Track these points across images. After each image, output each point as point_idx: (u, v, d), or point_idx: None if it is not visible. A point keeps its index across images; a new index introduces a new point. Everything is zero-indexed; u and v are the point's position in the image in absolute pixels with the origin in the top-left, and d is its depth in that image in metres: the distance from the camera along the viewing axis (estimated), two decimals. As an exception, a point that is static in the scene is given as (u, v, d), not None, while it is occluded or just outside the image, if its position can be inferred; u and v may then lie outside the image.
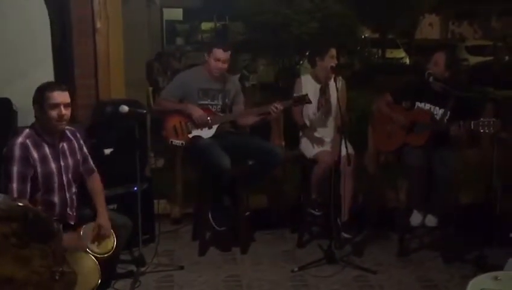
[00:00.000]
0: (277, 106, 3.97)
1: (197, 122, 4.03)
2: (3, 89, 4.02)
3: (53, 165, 3.04)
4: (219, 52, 4.05)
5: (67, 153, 3.14)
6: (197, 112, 4.02)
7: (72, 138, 3.19)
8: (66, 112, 3.00)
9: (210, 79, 4.13)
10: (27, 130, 3.02)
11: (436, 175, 3.89)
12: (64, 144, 3.13)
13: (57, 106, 2.97)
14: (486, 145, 4.57)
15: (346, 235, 4.11)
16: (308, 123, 4.37)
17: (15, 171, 2.91)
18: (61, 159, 3.08)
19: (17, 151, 2.93)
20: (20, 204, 2.38)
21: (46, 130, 3.02)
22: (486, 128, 3.70)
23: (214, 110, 4.12)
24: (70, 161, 3.14)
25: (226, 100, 4.18)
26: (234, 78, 4.44)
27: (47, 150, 3.03)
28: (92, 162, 3.33)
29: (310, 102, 4.11)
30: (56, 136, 3.07)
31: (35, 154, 2.97)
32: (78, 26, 4.28)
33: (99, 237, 3.09)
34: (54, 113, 2.96)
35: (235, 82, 4.37)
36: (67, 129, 3.18)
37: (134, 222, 3.45)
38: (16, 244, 2.18)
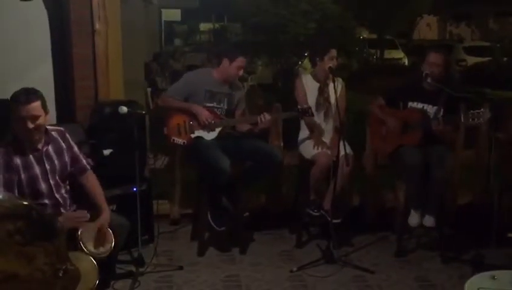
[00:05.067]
0: (265, 116, 4.00)
1: (202, 124, 4.04)
2: (2, 90, 4.01)
3: (37, 170, 3.01)
4: (243, 61, 4.13)
5: (53, 156, 3.09)
6: (203, 113, 4.03)
7: (59, 139, 3.14)
8: (35, 124, 2.91)
9: (218, 82, 4.15)
10: (9, 137, 2.98)
11: (433, 175, 3.91)
12: (49, 147, 3.07)
13: (21, 119, 2.89)
14: (483, 145, 4.59)
15: (335, 221, 4.02)
16: (310, 128, 4.37)
17: (0, 178, 2.89)
18: (45, 162, 3.04)
19: None
20: (25, 202, 2.40)
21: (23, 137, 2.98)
22: (476, 119, 3.73)
23: (218, 113, 4.14)
24: (56, 163, 3.09)
25: (231, 105, 4.21)
26: (239, 83, 4.46)
27: (30, 155, 2.99)
28: (84, 161, 3.26)
29: (313, 115, 4.15)
30: (38, 140, 3.01)
31: (17, 160, 2.95)
32: (76, 27, 4.28)
33: (98, 235, 3.09)
34: (19, 126, 2.91)
35: (240, 87, 4.39)
36: (55, 130, 3.14)
37: (133, 222, 3.46)
38: (20, 241, 2.19)
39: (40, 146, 3.04)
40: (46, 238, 2.24)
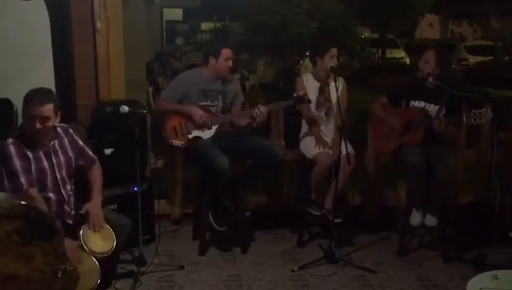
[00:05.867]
0: (260, 109, 3.99)
1: (197, 123, 4.04)
2: (3, 89, 4.03)
3: (46, 163, 3.07)
4: (228, 52, 4.09)
5: (59, 151, 3.15)
6: (197, 113, 4.03)
7: (63, 135, 3.20)
8: (43, 125, 2.96)
9: (210, 80, 4.14)
10: (17, 132, 3.06)
11: (435, 174, 3.91)
12: (56, 142, 3.14)
13: (31, 118, 2.96)
14: (485, 144, 4.58)
15: (337, 220, 4.03)
16: (309, 123, 4.37)
17: (18, 165, 2.96)
18: (53, 157, 3.10)
19: (12, 149, 2.98)
20: (23, 202, 2.41)
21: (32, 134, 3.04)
22: (477, 119, 3.72)
23: (214, 111, 4.13)
24: (62, 158, 3.16)
25: (226, 101, 4.19)
26: (234, 79, 4.45)
27: (38, 148, 3.06)
28: (91, 153, 3.33)
29: (309, 101, 4.14)
30: (45, 136, 3.08)
31: (28, 152, 3.02)
32: (78, 26, 4.28)
33: (94, 228, 3.10)
34: (29, 125, 2.98)
35: (235, 82, 4.37)
36: (59, 126, 3.19)
37: (134, 222, 3.46)
38: (18, 242, 2.20)
39: (47, 142, 3.09)
40: (45, 238, 2.24)
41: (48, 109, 2.98)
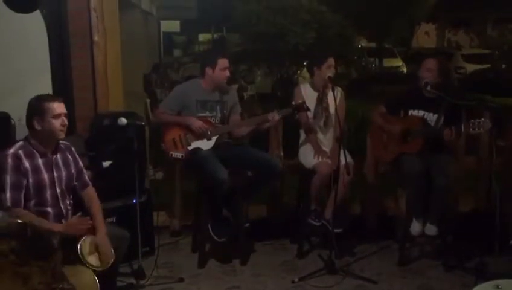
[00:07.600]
0: (274, 115, 3.99)
1: (197, 133, 4.03)
2: (1, 103, 4.02)
3: (45, 176, 3.06)
4: (225, 62, 4.09)
5: (61, 164, 3.16)
6: (196, 123, 4.03)
7: (66, 151, 3.22)
8: (67, 122, 3.10)
9: (208, 91, 4.14)
10: (20, 142, 3.07)
11: (435, 183, 3.90)
12: (58, 156, 3.15)
13: (59, 116, 3.05)
14: (484, 152, 4.58)
15: (337, 231, 4.01)
16: (306, 131, 4.36)
17: (8, 180, 2.95)
18: (54, 170, 3.10)
19: (9, 161, 2.98)
20: (20, 221, 2.38)
21: (41, 141, 3.06)
22: (476, 128, 3.73)
23: (213, 121, 4.12)
24: (63, 172, 3.16)
25: (225, 111, 4.19)
26: (232, 89, 4.45)
27: (40, 160, 3.06)
28: (86, 177, 3.33)
29: (308, 109, 4.14)
30: (50, 147, 3.10)
31: (26, 164, 3.00)
32: (75, 39, 4.29)
33: (98, 252, 3.08)
34: (57, 123, 3.04)
35: (232, 93, 4.37)
36: (62, 143, 3.21)
37: (133, 234, 3.44)
38: (14, 261, 2.16)
39: (49, 154, 3.10)
40: (42, 257, 2.21)
41: (64, 106, 3.12)
